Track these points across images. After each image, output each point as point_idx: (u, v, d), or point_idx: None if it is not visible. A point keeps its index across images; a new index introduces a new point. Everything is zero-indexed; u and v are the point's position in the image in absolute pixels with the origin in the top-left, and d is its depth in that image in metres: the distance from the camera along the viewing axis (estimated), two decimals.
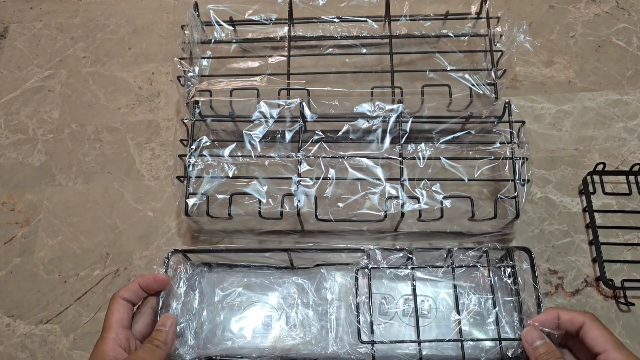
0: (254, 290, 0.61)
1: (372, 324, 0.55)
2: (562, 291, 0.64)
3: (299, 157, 0.62)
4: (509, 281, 0.57)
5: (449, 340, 0.55)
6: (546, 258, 0.66)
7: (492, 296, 0.57)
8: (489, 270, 0.58)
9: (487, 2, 0.70)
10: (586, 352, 0.49)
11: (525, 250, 0.58)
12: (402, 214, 0.60)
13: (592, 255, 0.66)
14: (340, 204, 0.63)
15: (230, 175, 0.64)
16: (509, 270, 0.58)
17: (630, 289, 0.63)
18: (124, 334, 0.51)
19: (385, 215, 0.60)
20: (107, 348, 0.49)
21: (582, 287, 0.64)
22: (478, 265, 0.58)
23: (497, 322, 0.55)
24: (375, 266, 0.57)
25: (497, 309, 0.56)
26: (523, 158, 0.62)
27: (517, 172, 0.61)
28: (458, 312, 0.56)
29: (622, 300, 0.63)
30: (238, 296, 0.60)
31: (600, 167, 0.67)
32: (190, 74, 0.68)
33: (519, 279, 0.56)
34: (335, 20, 0.72)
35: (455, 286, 0.57)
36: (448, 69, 0.69)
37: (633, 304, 0.62)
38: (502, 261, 0.59)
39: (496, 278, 0.58)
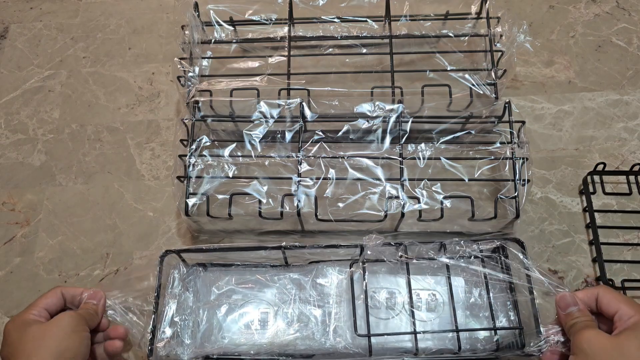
0: (250, 287, 0.61)
1: (368, 316, 0.55)
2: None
3: (299, 157, 0.63)
4: (502, 272, 0.58)
5: (444, 331, 0.56)
6: (546, 258, 0.66)
7: (486, 288, 0.58)
8: (482, 262, 0.59)
9: (487, 2, 0.70)
10: (607, 325, 0.51)
11: (517, 242, 0.59)
12: (402, 214, 0.60)
13: (592, 255, 0.66)
14: (341, 204, 0.63)
15: (231, 175, 0.64)
16: (502, 260, 0.59)
17: (631, 289, 0.63)
18: (45, 315, 0.54)
19: (386, 215, 0.60)
20: (27, 315, 0.52)
21: (582, 287, 0.64)
22: (472, 257, 0.58)
23: (491, 312, 0.56)
24: (369, 260, 0.57)
25: (490, 299, 0.57)
26: (523, 158, 0.62)
27: (517, 172, 0.61)
28: (453, 304, 0.57)
29: None
30: (234, 294, 0.61)
31: (600, 167, 0.67)
32: (190, 74, 0.68)
33: (512, 269, 0.57)
34: (336, 20, 0.72)
35: (449, 279, 0.58)
36: (448, 69, 0.69)
37: None
38: (495, 253, 0.60)
39: (489, 270, 0.58)
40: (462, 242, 0.59)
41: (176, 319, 0.58)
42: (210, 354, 0.57)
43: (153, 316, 0.57)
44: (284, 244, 0.59)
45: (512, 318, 0.57)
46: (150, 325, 0.56)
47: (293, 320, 0.59)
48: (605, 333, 0.49)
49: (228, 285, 0.61)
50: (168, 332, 0.57)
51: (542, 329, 0.53)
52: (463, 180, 0.63)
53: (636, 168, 0.68)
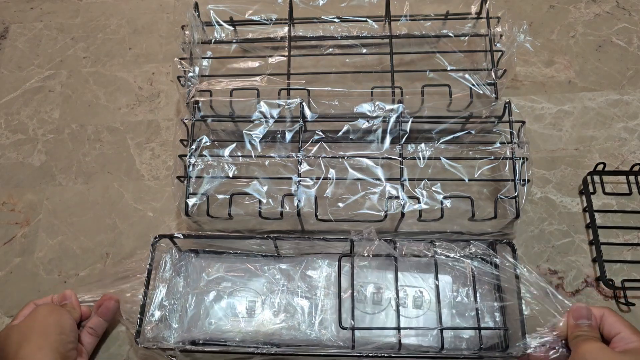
0: (239, 276, 0.62)
1: (353, 310, 0.56)
2: (562, 291, 0.64)
3: (299, 157, 0.63)
4: (492, 273, 0.58)
5: (427, 329, 0.56)
6: (546, 258, 0.66)
7: (473, 288, 0.58)
8: (470, 262, 0.59)
9: (487, 2, 0.70)
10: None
11: (508, 245, 0.59)
12: (402, 214, 0.60)
13: (592, 255, 0.65)
14: (341, 204, 0.63)
15: (231, 175, 0.64)
16: (491, 262, 0.59)
17: (631, 289, 0.63)
18: None
19: (386, 216, 0.60)
20: (10, 324, 0.57)
21: (582, 287, 0.64)
22: (461, 257, 0.59)
23: (477, 312, 0.56)
24: (359, 254, 0.58)
25: (477, 299, 0.58)
26: (523, 158, 0.62)
27: (517, 172, 0.61)
28: (439, 302, 0.57)
29: (622, 300, 0.62)
30: (223, 281, 0.61)
31: (600, 167, 0.67)
32: (190, 74, 0.68)
33: (501, 271, 0.58)
34: (336, 20, 0.72)
35: (437, 276, 0.58)
36: (448, 69, 0.69)
37: (633, 304, 0.62)
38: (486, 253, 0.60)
39: (478, 271, 0.59)
40: (452, 242, 0.59)
41: (165, 303, 0.59)
42: (196, 339, 0.58)
43: (143, 298, 0.58)
44: (275, 234, 0.60)
45: (497, 319, 0.57)
46: (140, 307, 0.57)
47: (280, 310, 0.59)
48: (610, 349, 0.49)
49: (218, 273, 0.62)
50: (157, 315, 0.58)
51: (526, 335, 0.54)
52: (463, 180, 0.63)
53: (636, 168, 0.68)
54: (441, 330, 0.55)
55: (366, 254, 0.58)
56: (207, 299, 0.60)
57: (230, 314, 0.60)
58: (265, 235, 0.59)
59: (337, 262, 0.60)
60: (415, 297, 0.59)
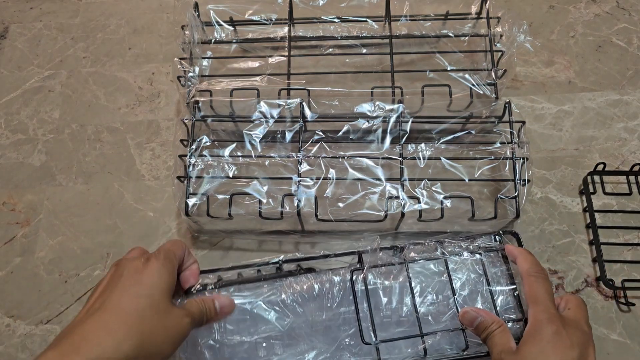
0: (254, 319, 0.56)
1: (373, 323, 0.55)
2: (562, 291, 0.64)
3: (299, 157, 0.63)
4: (501, 266, 0.58)
5: (449, 330, 0.55)
6: (546, 258, 0.66)
7: (487, 283, 0.58)
8: (480, 257, 0.59)
9: (487, 2, 0.70)
10: None
11: (512, 234, 0.59)
12: (402, 214, 0.60)
13: (593, 255, 0.66)
14: (341, 204, 0.63)
15: (231, 175, 0.64)
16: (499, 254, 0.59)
17: (631, 289, 0.63)
18: None
19: (386, 216, 0.60)
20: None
21: (583, 287, 0.64)
22: (470, 253, 0.59)
23: (494, 306, 0.56)
24: (370, 266, 0.57)
25: (492, 294, 0.57)
26: (523, 158, 0.62)
27: (518, 172, 0.61)
28: (455, 302, 0.57)
29: (623, 300, 0.63)
30: (238, 330, 0.56)
31: (600, 167, 0.67)
32: (190, 74, 0.68)
33: (510, 262, 0.58)
34: (336, 20, 0.72)
35: (449, 276, 0.58)
36: (448, 69, 0.69)
37: (633, 304, 0.62)
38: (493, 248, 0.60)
39: (488, 265, 0.59)
40: (459, 239, 0.59)
41: (182, 356, 0.54)
42: None
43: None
44: (282, 257, 0.57)
45: (517, 309, 0.57)
46: None
47: (305, 346, 0.56)
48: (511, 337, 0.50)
49: (230, 321, 0.56)
50: None
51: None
52: (463, 180, 0.63)
53: (636, 168, 0.68)
54: (462, 330, 0.55)
55: (379, 263, 0.57)
56: (226, 350, 0.55)
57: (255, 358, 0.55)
58: (271, 260, 0.57)
59: (347, 277, 0.57)
60: (433, 300, 0.58)
